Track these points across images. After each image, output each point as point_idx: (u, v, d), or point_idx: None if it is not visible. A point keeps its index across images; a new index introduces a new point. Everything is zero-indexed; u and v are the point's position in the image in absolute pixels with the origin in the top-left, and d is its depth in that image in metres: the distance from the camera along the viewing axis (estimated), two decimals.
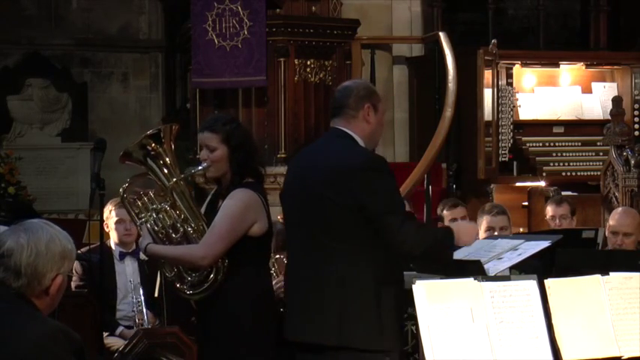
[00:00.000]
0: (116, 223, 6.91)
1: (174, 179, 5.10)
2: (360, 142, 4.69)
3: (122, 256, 6.97)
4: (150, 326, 6.72)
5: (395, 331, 4.53)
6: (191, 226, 5.07)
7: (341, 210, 4.50)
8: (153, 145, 5.13)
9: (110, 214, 6.91)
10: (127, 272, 6.96)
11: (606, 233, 6.56)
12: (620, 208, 7.00)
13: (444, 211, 7.54)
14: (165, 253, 5.08)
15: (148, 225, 5.07)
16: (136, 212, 5.12)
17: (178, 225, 5.07)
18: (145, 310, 6.77)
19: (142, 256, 6.75)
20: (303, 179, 4.68)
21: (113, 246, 6.99)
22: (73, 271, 6.81)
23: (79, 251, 6.65)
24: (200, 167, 5.12)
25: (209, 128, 5.10)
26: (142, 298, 6.79)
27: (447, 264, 4.61)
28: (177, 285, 5.10)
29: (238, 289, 5.01)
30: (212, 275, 5.00)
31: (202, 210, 5.20)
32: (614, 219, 6.62)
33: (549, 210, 7.61)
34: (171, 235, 5.07)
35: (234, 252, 4.99)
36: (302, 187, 4.68)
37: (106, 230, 6.94)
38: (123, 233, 6.92)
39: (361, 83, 5.04)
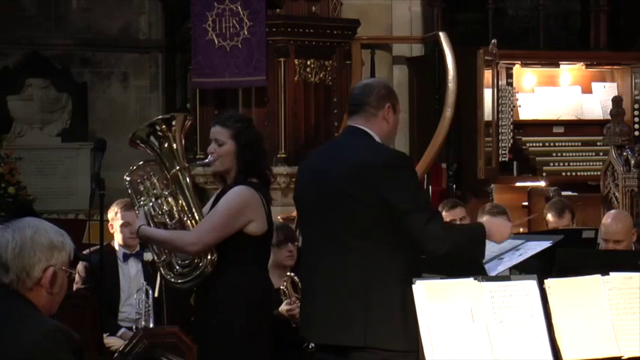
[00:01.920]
0: (122, 225, 6.87)
1: (178, 167, 5.13)
2: (378, 141, 4.63)
3: (126, 257, 6.94)
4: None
5: (416, 330, 4.48)
6: (188, 216, 5.11)
7: (365, 208, 4.42)
8: (163, 126, 5.16)
9: (116, 216, 6.88)
10: (131, 274, 6.93)
11: (599, 236, 6.51)
12: (610, 214, 6.75)
13: (444, 212, 7.49)
14: (156, 235, 5.12)
15: (146, 209, 5.10)
16: (137, 196, 5.16)
17: (175, 213, 5.10)
18: (152, 312, 6.71)
19: (146, 257, 6.74)
20: (323, 179, 4.58)
21: (117, 247, 6.96)
22: (76, 274, 6.80)
23: (83, 252, 6.64)
24: (206, 160, 5.15)
25: (220, 123, 5.16)
26: (151, 300, 6.73)
27: (476, 262, 4.51)
28: (165, 271, 5.13)
29: (235, 289, 5.01)
30: (200, 266, 5.01)
31: (207, 208, 5.21)
32: (604, 225, 6.50)
33: (551, 221, 7.55)
34: (167, 222, 5.11)
35: (231, 250, 5.00)
36: (321, 186, 4.57)
37: (111, 231, 6.91)
38: (128, 236, 6.86)
39: (381, 82, 4.98)
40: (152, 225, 5.10)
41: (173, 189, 5.14)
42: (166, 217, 5.11)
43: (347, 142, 4.68)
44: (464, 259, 4.60)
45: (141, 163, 5.23)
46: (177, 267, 5.10)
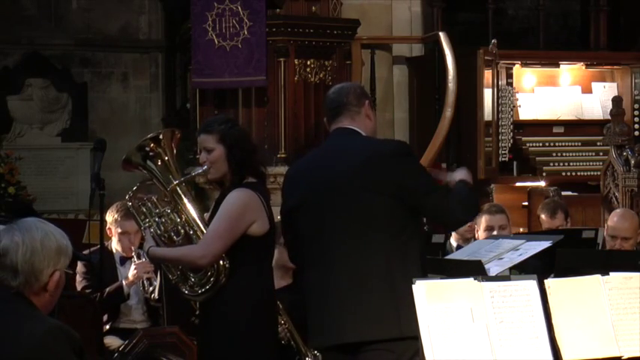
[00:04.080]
0: (120, 234, 6.84)
1: (175, 182, 5.15)
2: None
3: (123, 260, 6.91)
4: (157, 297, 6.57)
5: None
6: (193, 229, 5.11)
7: (381, 198, 4.48)
8: (152, 145, 5.19)
9: (115, 223, 6.82)
10: (129, 275, 6.91)
11: (605, 235, 6.54)
12: (618, 211, 6.90)
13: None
14: (166, 254, 5.12)
15: (151, 230, 5.12)
16: (141, 218, 5.18)
17: (180, 228, 5.11)
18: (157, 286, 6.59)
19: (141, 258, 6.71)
20: (328, 182, 4.58)
21: (114, 250, 6.94)
22: (77, 272, 6.79)
23: (82, 252, 6.63)
24: (200, 170, 5.14)
25: (204, 130, 5.16)
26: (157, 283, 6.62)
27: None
28: (181, 286, 5.14)
29: (239, 290, 5.01)
30: (213, 277, 5.01)
31: (209, 214, 5.21)
32: (612, 222, 6.56)
33: (544, 221, 7.56)
34: (174, 238, 5.13)
35: (235, 252, 5.00)
36: (329, 190, 4.57)
37: (109, 235, 6.88)
38: (127, 245, 6.81)
39: (354, 83, 5.09)
40: (161, 244, 5.12)
41: (174, 204, 5.15)
42: (172, 233, 5.14)
43: (342, 142, 4.68)
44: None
45: (137, 186, 5.27)
46: (192, 279, 5.11)
